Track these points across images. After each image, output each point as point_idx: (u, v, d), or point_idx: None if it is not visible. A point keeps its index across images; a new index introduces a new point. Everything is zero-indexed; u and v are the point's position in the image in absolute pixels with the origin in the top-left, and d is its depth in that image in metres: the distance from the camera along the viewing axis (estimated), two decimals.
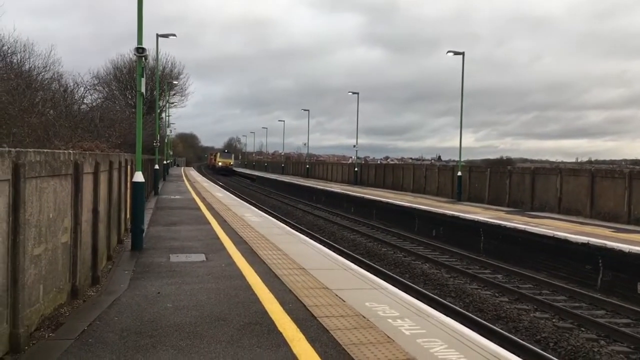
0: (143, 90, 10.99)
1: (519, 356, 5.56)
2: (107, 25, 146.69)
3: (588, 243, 13.74)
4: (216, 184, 46.84)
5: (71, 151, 7.68)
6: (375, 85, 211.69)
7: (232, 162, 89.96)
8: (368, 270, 10.33)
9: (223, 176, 76.66)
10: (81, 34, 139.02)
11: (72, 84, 22.56)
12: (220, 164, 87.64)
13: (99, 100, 30.76)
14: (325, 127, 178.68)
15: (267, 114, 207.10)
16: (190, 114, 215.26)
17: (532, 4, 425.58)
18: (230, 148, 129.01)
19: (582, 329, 9.87)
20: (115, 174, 10.66)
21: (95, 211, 8.22)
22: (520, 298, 11.88)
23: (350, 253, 16.44)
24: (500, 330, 9.24)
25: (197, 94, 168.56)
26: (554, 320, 10.34)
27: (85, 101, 24.09)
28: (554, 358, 8.11)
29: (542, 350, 8.49)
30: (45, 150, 6.14)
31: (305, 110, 70.48)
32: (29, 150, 5.50)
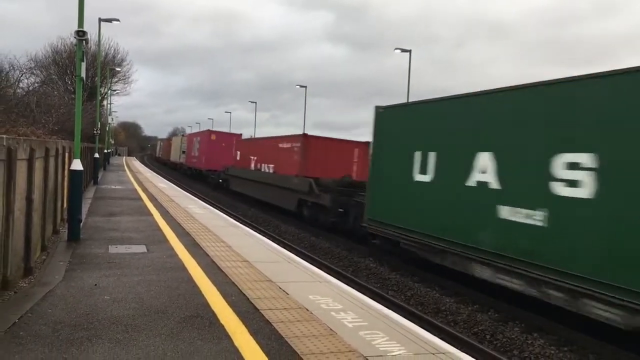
0: (83, 75, 10.56)
1: (456, 347, 5.70)
2: (71, 11, 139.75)
3: None
4: (160, 175, 45.77)
5: (4, 136, 7.32)
6: (335, 82, 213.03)
7: None
8: (312, 264, 10.35)
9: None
10: (44, 20, 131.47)
11: (7, 67, 21.55)
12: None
13: (36, 84, 29.46)
14: (279, 121, 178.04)
15: (223, 105, 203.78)
16: (144, 103, 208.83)
17: (491, 11, 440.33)
18: None
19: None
20: (51, 161, 10.24)
21: (29, 199, 7.86)
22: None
23: (295, 246, 16.44)
24: (440, 324, 9.45)
25: (155, 83, 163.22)
26: (489, 313, 10.67)
27: (21, 85, 23.05)
28: (488, 349, 8.38)
29: (478, 343, 8.76)
30: None
31: (252, 102, 69.81)
32: None
